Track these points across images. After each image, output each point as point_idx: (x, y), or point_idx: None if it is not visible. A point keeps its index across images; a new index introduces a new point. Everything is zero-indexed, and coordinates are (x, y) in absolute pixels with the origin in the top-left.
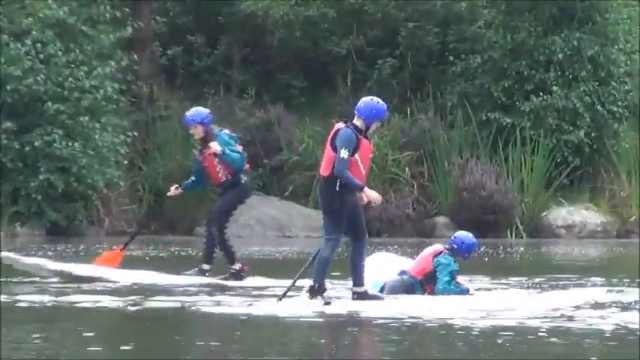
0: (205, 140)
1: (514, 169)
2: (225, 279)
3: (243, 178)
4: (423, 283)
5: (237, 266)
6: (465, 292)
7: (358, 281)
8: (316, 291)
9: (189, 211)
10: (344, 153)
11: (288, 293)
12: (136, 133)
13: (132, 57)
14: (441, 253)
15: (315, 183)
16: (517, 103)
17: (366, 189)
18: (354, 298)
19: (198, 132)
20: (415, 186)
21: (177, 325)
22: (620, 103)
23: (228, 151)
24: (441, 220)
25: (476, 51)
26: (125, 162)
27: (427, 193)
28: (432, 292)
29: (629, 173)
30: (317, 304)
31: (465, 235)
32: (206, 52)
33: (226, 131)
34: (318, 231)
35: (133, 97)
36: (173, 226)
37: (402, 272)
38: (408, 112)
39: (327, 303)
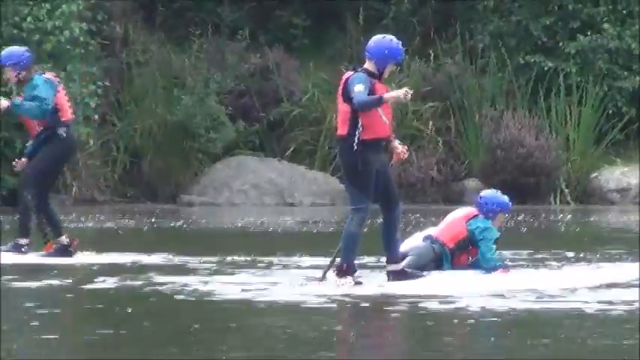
0: (21, 84)
1: (558, 122)
2: (49, 255)
3: (62, 132)
4: (455, 254)
5: (64, 240)
6: (505, 266)
7: (393, 258)
8: (345, 271)
9: (173, 175)
10: (359, 87)
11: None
12: (108, 83)
13: None
14: (475, 216)
15: (322, 140)
16: (561, 43)
17: (386, 95)
18: (389, 279)
19: (7, 76)
20: (440, 143)
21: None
22: None
23: (17, 102)
24: (472, 183)
25: None
26: (96, 117)
27: (455, 152)
28: (463, 264)
29: None
30: (346, 285)
31: (493, 194)
32: None
33: (48, 75)
34: (326, 197)
35: (104, 39)
36: (154, 193)
37: (429, 238)
38: (432, 56)
39: (358, 283)
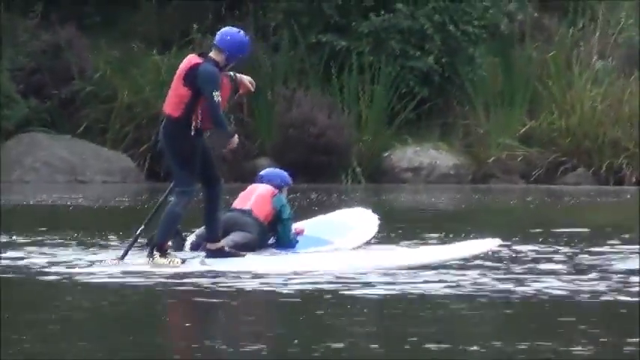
0: None
1: (350, 100)
2: None
3: None
4: (270, 231)
5: None
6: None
7: (212, 236)
8: (164, 249)
9: None
10: (217, 96)
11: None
12: None
13: None
14: (275, 194)
15: (114, 118)
16: (354, 23)
17: (234, 136)
18: (207, 256)
19: None
20: (232, 121)
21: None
22: (476, 23)
23: None
24: (264, 162)
25: None
26: None
27: (247, 131)
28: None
29: (487, 106)
30: (171, 264)
31: (274, 170)
32: None
33: None
34: (117, 175)
35: None
36: None
37: (244, 212)
38: None
39: (182, 261)
